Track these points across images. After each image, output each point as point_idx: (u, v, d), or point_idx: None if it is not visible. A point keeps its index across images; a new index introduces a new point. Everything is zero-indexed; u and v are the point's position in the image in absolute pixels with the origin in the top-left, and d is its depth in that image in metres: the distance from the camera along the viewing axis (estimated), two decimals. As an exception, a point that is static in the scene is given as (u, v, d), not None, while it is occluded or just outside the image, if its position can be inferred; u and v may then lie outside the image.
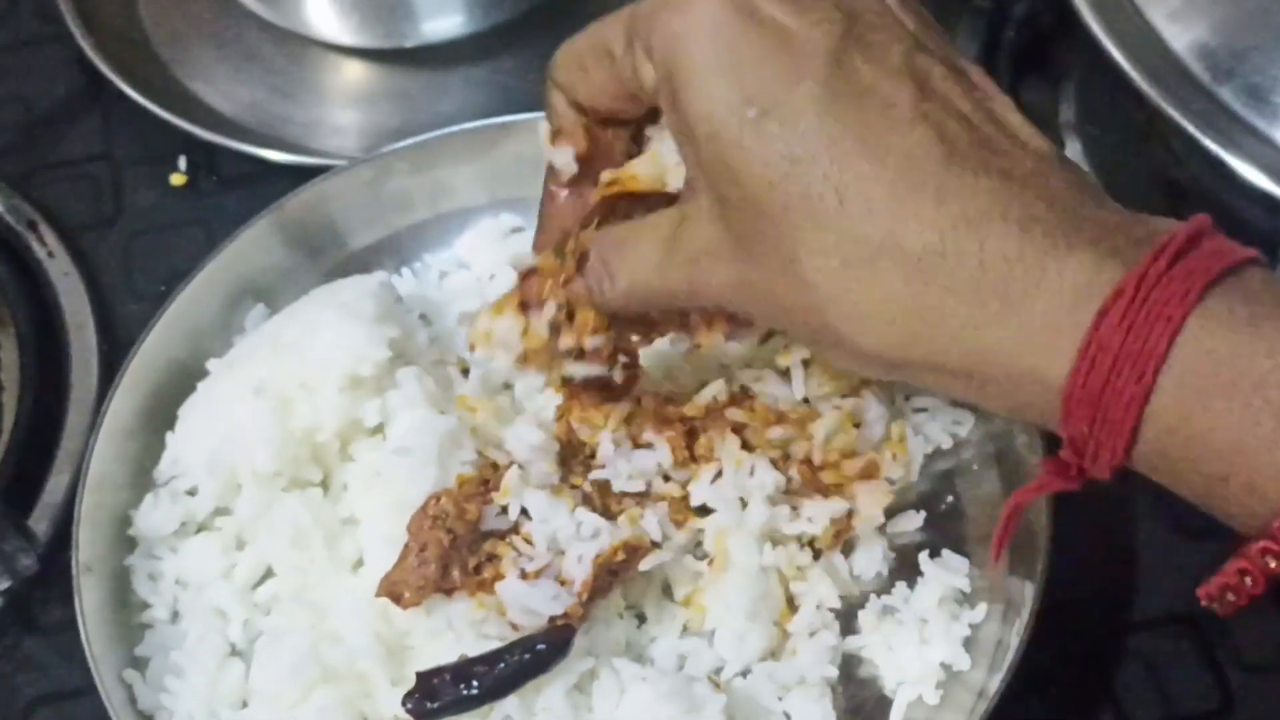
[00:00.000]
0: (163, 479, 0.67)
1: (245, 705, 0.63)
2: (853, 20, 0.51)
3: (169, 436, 0.68)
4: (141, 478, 0.68)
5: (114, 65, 0.84)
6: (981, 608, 0.62)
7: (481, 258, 0.75)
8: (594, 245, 0.57)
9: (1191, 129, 0.64)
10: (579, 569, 0.59)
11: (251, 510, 0.65)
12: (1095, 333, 0.44)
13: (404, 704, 0.58)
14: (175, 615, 0.66)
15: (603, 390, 0.63)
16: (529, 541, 0.60)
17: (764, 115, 0.49)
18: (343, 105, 0.87)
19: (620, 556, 0.60)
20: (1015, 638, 0.59)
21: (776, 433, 0.64)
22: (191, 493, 0.67)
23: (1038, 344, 0.46)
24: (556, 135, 0.60)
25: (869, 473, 0.64)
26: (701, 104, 0.51)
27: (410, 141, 0.75)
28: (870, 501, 0.63)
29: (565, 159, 0.59)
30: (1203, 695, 0.65)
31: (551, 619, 0.59)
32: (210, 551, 0.65)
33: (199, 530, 0.67)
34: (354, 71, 0.88)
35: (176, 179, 0.84)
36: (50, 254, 0.80)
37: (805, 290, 0.50)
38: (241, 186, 0.82)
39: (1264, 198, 0.64)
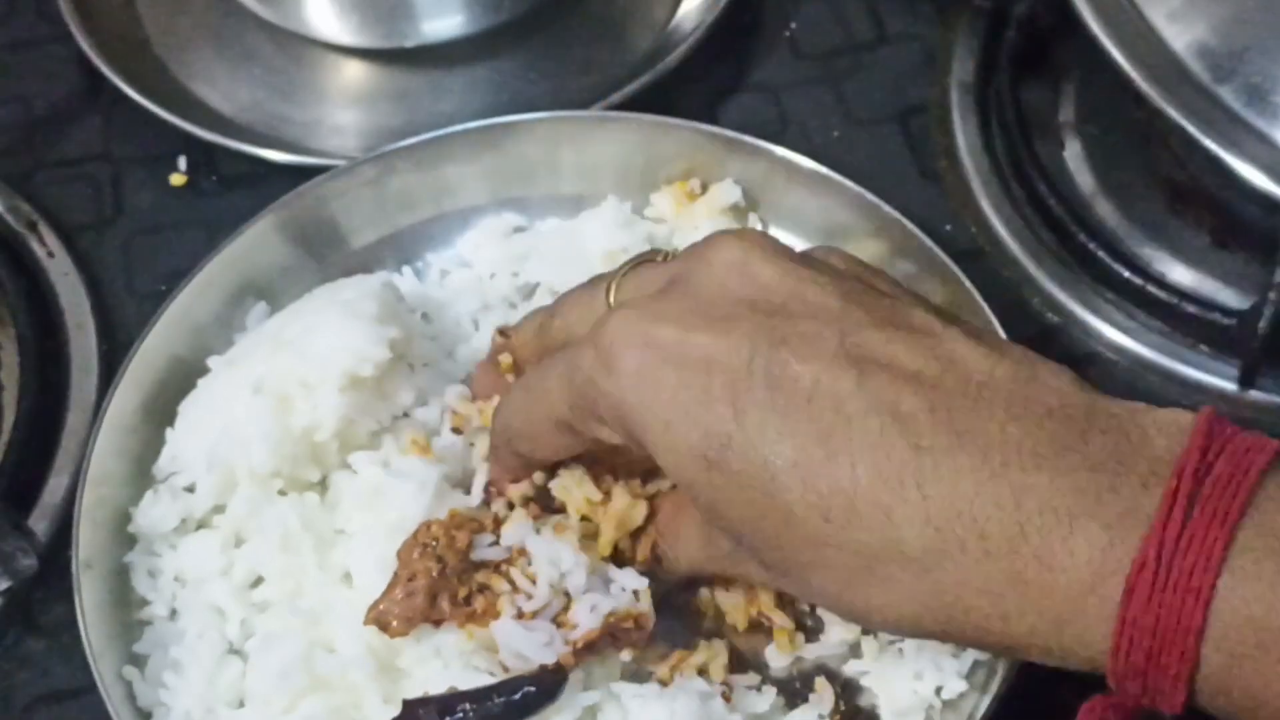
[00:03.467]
0: (162, 475, 0.67)
1: (242, 704, 0.63)
2: (775, 320, 0.50)
3: (169, 433, 0.68)
4: (142, 474, 0.68)
5: (114, 65, 0.84)
6: None
7: (483, 256, 0.75)
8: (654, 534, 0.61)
9: (1191, 129, 0.64)
10: (588, 618, 0.59)
11: (245, 509, 0.65)
12: (1126, 613, 0.44)
13: None
14: (174, 612, 0.66)
15: None
16: (530, 579, 0.60)
17: (724, 450, 0.49)
18: (343, 105, 0.87)
19: (628, 624, 0.60)
20: (1002, 665, 0.60)
21: None
22: (190, 489, 0.67)
23: (1067, 627, 0.45)
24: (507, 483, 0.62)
25: None
26: (667, 458, 0.51)
27: (413, 140, 0.75)
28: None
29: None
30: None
31: (542, 665, 0.58)
32: (209, 549, 0.65)
33: (198, 527, 0.67)
34: (354, 71, 0.88)
35: (176, 179, 0.84)
36: (50, 254, 0.80)
37: (824, 598, 0.52)
38: (241, 186, 0.82)
39: (1264, 198, 0.64)
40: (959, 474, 0.46)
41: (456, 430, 0.67)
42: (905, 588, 0.47)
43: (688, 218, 0.74)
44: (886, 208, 0.71)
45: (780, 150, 0.74)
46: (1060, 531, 0.45)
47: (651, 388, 0.50)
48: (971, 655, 0.61)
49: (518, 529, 0.61)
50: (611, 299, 0.58)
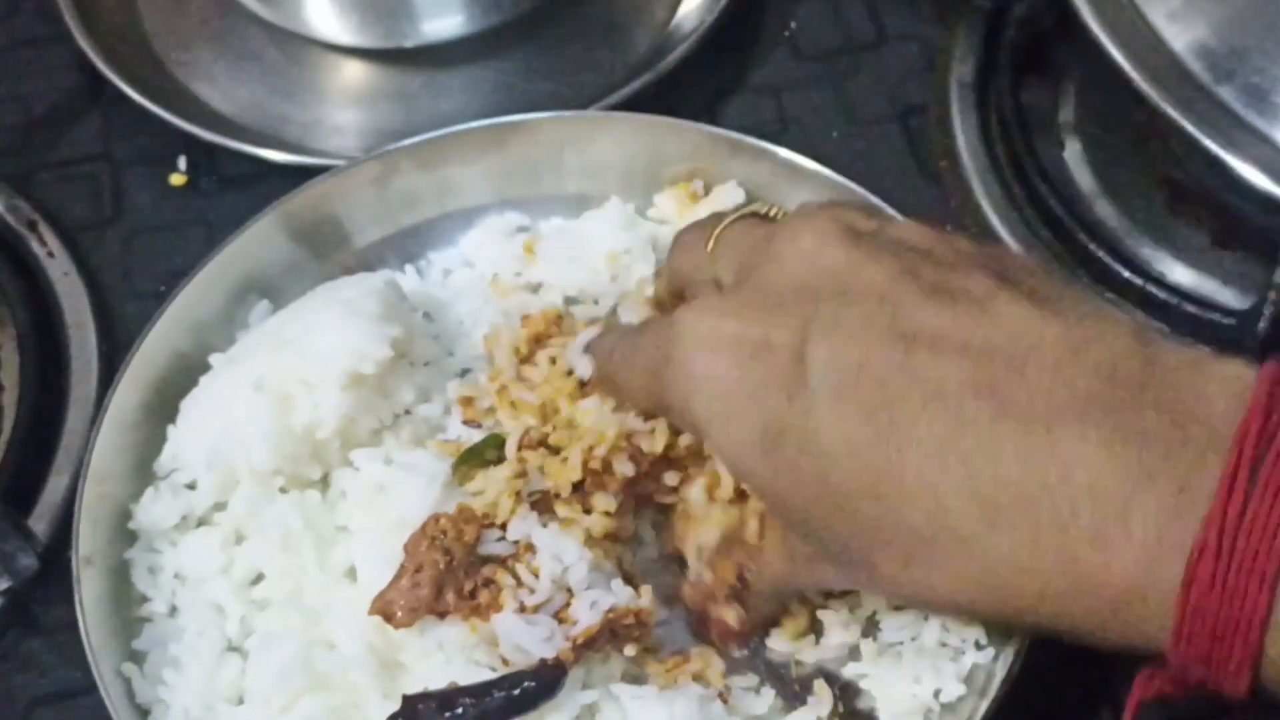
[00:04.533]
0: (163, 472, 0.67)
1: (241, 702, 0.63)
2: (830, 307, 0.50)
3: (170, 430, 0.68)
4: (143, 470, 0.68)
5: (114, 65, 0.84)
6: (988, 651, 0.61)
7: (486, 256, 0.75)
8: (732, 539, 0.60)
9: (1191, 129, 0.64)
10: (588, 614, 0.59)
11: (246, 508, 0.65)
12: (1187, 600, 0.43)
13: None
14: (174, 610, 0.66)
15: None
16: (534, 573, 0.60)
17: (780, 437, 0.50)
18: (343, 105, 0.87)
19: (629, 621, 0.60)
20: (1002, 669, 0.59)
21: None
22: (191, 487, 0.67)
23: (1126, 607, 0.44)
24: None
25: None
26: (726, 453, 0.53)
27: (417, 139, 0.75)
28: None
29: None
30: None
31: (542, 660, 0.59)
32: (209, 546, 0.65)
33: (199, 524, 0.67)
34: (354, 71, 0.88)
35: (176, 179, 0.84)
36: (50, 254, 0.80)
37: (885, 583, 0.52)
38: (241, 186, 0.82)
39: (1264, 198, 0.64)
40: (1003, 448, 0.45)
41: (469, 423, 0.67)
42: (958, 569, 0.47)
43: (691, 218, 0.74)
44: (886, 208, 0.70)
45: (784, 152, 0.73)
46: (1113, 510, 0.43)
47: (712, 382, 0.52)
48: (970, 658, 0.61)
49: (524, 523, 0.61)
50: (710, 247, 0.60)
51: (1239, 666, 0.43)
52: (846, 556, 0.52)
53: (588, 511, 0.62)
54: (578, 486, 0.62)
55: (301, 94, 0.87)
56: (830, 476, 0.49)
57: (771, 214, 0.62)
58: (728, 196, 0.74)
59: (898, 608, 0.62)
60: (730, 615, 0.61)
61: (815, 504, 0.50)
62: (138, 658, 0.64)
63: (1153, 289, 0.73)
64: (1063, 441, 0.45)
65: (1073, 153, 0.80)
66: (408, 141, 0.75)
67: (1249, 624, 0.42)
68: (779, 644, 0.64)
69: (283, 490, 0.66)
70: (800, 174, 0.73)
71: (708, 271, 0.60)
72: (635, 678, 0.62)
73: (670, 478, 0.63)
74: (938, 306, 0.49)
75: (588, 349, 0.64)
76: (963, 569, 0.47)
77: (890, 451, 0.47)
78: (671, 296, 0.67)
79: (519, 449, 0.63)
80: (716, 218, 0.62)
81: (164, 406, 0.69)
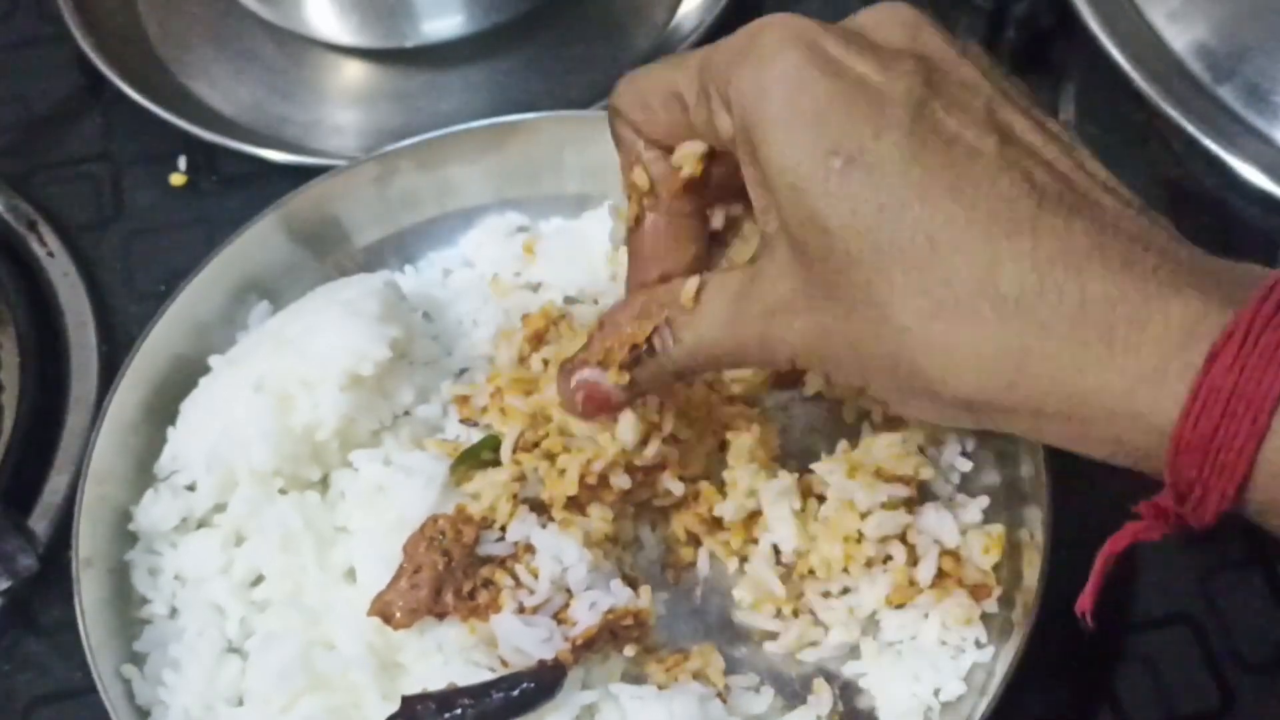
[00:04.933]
0: (163, 474, 0.68)
1: (241, 702, 0.63)
2: (933, 73, 0.50)
3: (170, 431, 0.68)
4: (143, 472, 0.68)
5: (114, 65, 0.84)
6: (988, 649, 0.62)
7: (486, 256, 0.75)
8: (654, 302, 0.57)
9: (1191, 129, 0.64)
10: (588, 615, 0.59)
11: (245, 509, 0.65)
12: (1207, 375, 0.43)
13: None
14: (174, 611, 0.66)
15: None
16: (533, 574, 0.60)
17: (850, 164, 0.49)
18: (343, 105, 0.87)
19: (628, 622, 0.60)
20: (1002, 667, 0.60)
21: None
22: (191, 488, 0.67)
23: (1144, 386, 0.45)
24: (631, 164, 0.59)
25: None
26: (784, 156, 0.50)
27: (417, 139, 0.75)
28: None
29: (644, 178, 0.58)
30: (1203, 695, 0.65)
31: (540, 661, 0.59)
32: (209, 548, 0.65)
33: (199, 526, 0.67)
34: (354, 71, 0.88)
35: (176, 179, 0.84)
36: (50, 254, 0.80)
37: (895, 335, 0.49)
38: (241, 186, 0.82)
39: (1264, 198, 0.64)
40: (1073, 235, 0.47)
41: (466, 421, 0.67)
42: (990, 326, 0.47)
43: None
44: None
45: None
46: (1160, 295, 0.45)
47: (796, 85, 0.50)
48: (970, 657, 0.61)
49: (523, 524, 0.61)
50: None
51: (1239, 455, 0.43)
52: (851, 296, 0.50)
53: (585, 515, 0.62)
54: (572, 499, 0.62)
55: (301, 94, 0.87)
56: (888, 212, 0.48)
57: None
58: None
59: (899, 606, 0.62)
60: (610, 375, 0.57)
61: (862, 237, 0.49)
62: (138, 659, 0.64)
63: (1153, 289, 0.73)
64: (1126, 243, 0.47)
65: (1073, 153, 0.80)
66: (408, 142, 0.75)
67: (1260, 401, 0.43)
68: (778, 644, 0.64)
69: (282, 491, 0.66)
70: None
71: (708, 132, 0.55)
72: (635, 678, 0.62)
73: (672, 485, 0.64)
74: (1032, 124, 0.50)
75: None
76: (996, 328, 0.47)
77: (963, 207, 0.47)
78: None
79: (514, 451, 0.63)
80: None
81: (164, 408, 0.69)
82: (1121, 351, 0.45)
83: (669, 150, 0.57)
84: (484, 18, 0.85)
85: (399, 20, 0.84)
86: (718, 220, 0.59)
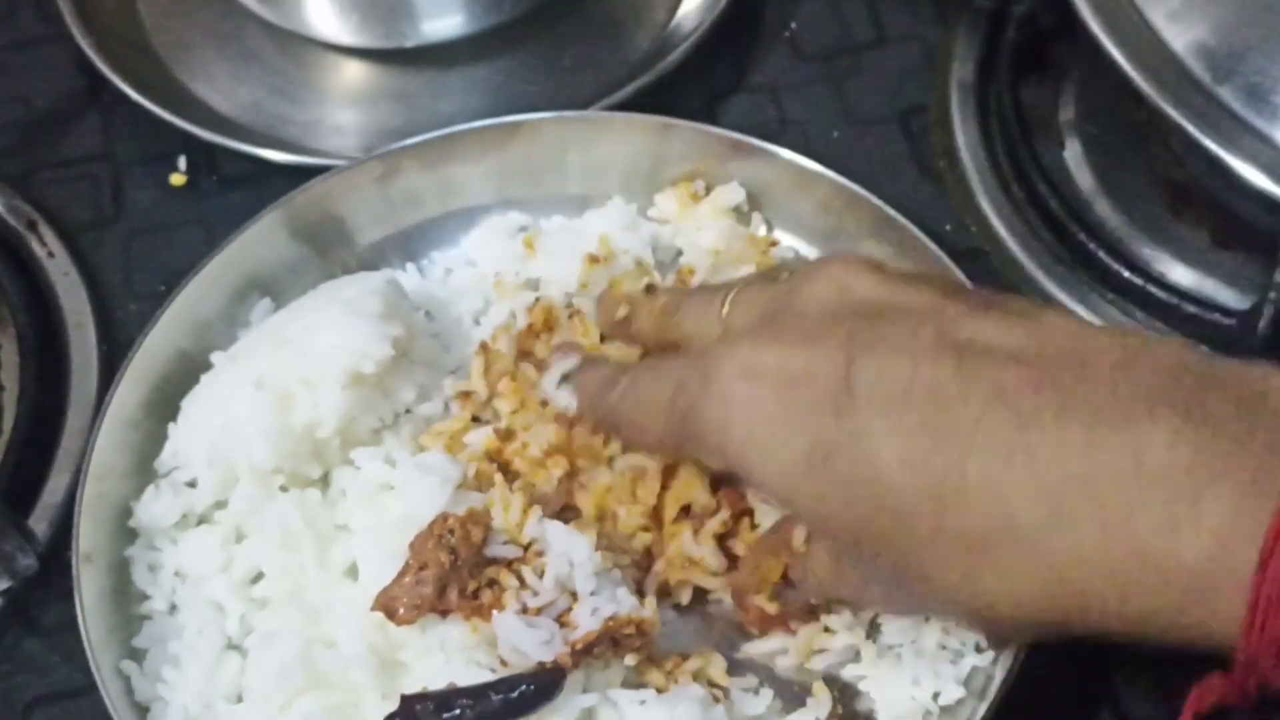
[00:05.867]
0: (164, 470, 0.68)
1: (241, 700, 0.63)
2: (867, 324, 0.51)
3: (171, 428, 0.68)
4: (144, 468, 0.68)
5: (114, 65, 0.83)
6: (988, 654, 0.61)
7: (488, 255, 0.75)
8: (780, 541, 0.60)
9: (1191, 129, 0.64)
10: (589, 620, 0.59)
11: (245, 506, 0.65)
12: (1262, 581, 0.41)
13: None
14: (174, 608, 0.66)
15: None
16: (538, 573, 0.60)
17: (829, 458, 0.49)
18: (343, 105, 0.87)
19: (629, 630, 0.60)
20: (1001, 671, 0.59)
21: None
22: (192, 485, 0.67)
23: (1197, 595, 0.43)
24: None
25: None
26: (770, 475, 0.52)
27: (420, 139, 0.75)
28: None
29: None
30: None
31: (540, 664, 0.59)
32: (209, 545, 0.65)
33: (199, 523, 0.67)
34: (354, 71, 0.88)
35: (176, 179, 0.84)
36: (50, 254, 0.80)
37: (944, 601, 0.51)
38: (241, 186, 0.82)
39: (1264, 198, 0.64)
40: (1068, 441, 0.44)
41: (474, 419, 0.68)
42: (1020, 570, 0.46)
43: (691, 219, 0.74)
44: (886, 208, 0.71)
45: (785, 152, 0.74)
46: (1185, 496, 0.42)
47: (753, 409, 0.51)
48: (970, 661, 0.61)
49: (537, 521, 0.61)
50: (724, 311, 0.60)
51: None
52: (900, 574, 0.51)
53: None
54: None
55: (301, 94, 0.87)
56: (884, 491, 0.48)
57: (784, 278, 0.62)
58: (728, 196, 0.75)
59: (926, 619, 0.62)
60: (770, 605, 0.62)
61: (868, 521, 0.50)
62: (137, 655, 0.64)
63: (1153, 289, 0.73)
64: (1131, 432, 0.44)
65: (1073, 153, 0.80)
66: (411, 141, 0.75)
67: None
68: (786, 658, 0.64)
69: (283, 489, 0.66)
70: (801, 174, 0.73)
71: (718, 328, 0.60)
72: (637, 684, 0.62)
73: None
74: (984, 317, 0.49)
75: (567, 381, 0.65)
76: (1025, 570, 0.46)
77: (948, 458, 0.47)
78: (648, 337, 0.66)
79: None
80: (724, 286, 0.62)
81: (165, 404, 0.69)
82: (1158, 568, 0.43)
83: None
84: (484, 18, 0.85)
85: (399, 20, 0.84)
86: None
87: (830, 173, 0.73)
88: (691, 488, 0.64)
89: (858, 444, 0.49)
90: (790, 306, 0.55)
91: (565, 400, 0.65)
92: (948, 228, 0.79)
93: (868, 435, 0.48)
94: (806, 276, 0.56)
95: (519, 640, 0.58)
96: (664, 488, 0.64)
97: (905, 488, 0.48)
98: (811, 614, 0.63)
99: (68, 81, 0.88)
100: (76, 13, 0.86)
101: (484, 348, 0.69)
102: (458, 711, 0.58)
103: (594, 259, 0.72)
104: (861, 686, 0.63)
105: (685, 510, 0.64)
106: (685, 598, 0.65)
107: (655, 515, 0.64)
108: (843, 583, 0.58)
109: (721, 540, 0.64)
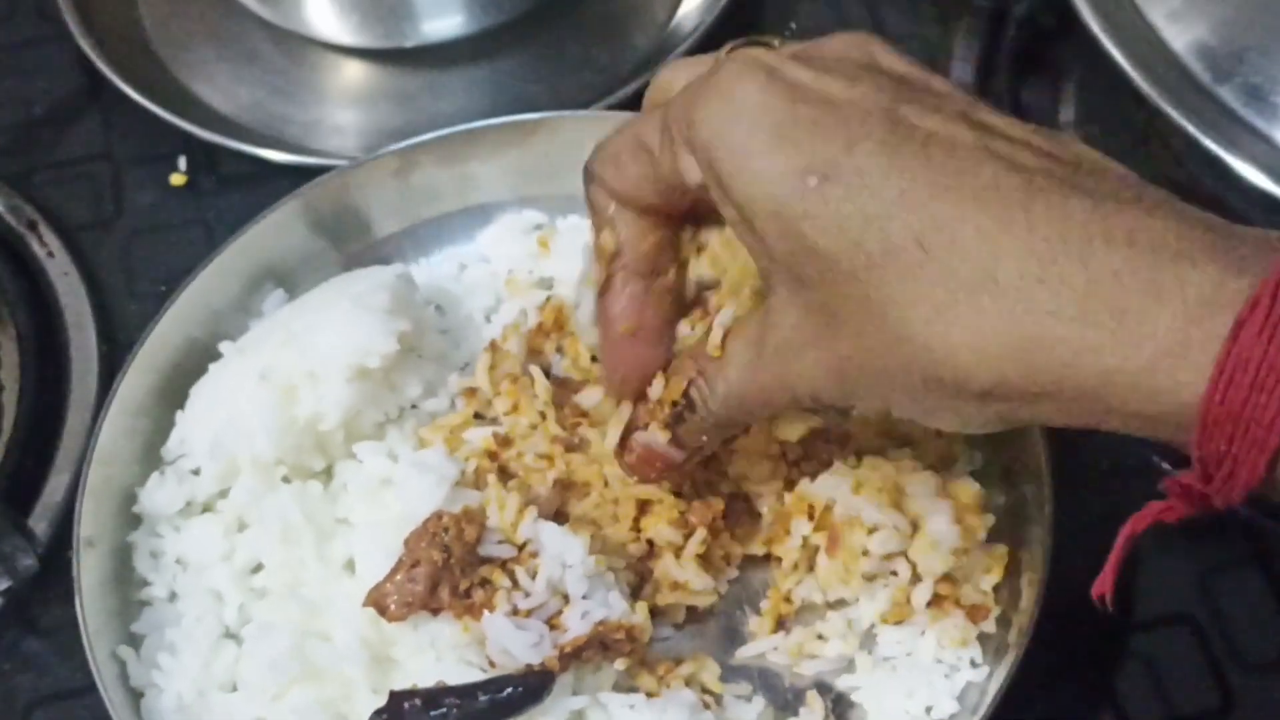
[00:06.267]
0: (170, 458, 0.68)
1: (234, 689, 0.63)
2: (901, 84, 0.50)
3: (178, 415, 0.68)
4: (150, 454, 0.68)
5: (114, 65, 0.84)
6: (983, 669, 0.62)
7: (502, 253, 0.76)
8: (687, 355, 0.56)
9: (1191, 129, 0.64)
10: (579, 624, 0.59)
11: (246, 497, 0.65)
12: (1233, 346, 0.41)
13: None
14: (173, 595, 0.66)
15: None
16: (531, 574, 0.60)
17: (826, 181, 0.47)
18: (343, 105, 0.87)
19: (619, 635, 0.60)
20: (994, 687, 0.60)
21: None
22: (196, 473, 0.67)
23: (1165, 361, 0.43)
24: (601, 227, 0.57)
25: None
26: (757, 186, 0.49)
27: (440, 133, 0.75)
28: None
29: (611, 240, 0.57)
30: (1203, 695, 0.65)
31: (529, 666, 0.59)
32: (211, 533, 0.65)
33: (203, 511, 0.67)
34: (354, 71, 0.88)
35: (176, 179, 0.84)
36: (50, 254, 0.80)
37: (904, 345, 0.48)
38: (241, 186, 0.82)
39: (1264, 198, 0.64)
40: (1069, 215, 0.45)
41: (479, 417, 0.68)
42: (994, 318, 0.45)
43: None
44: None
45: None
46: (1172, 266, 0.43)
47: (758, 113, 0.49)
48: (965, 676, 0.61)
49: (532, 522, 0.61)
50: (724, 56, 0.55)
51: (1272, 423, 0.42)
52: (853, 314, 0.49)
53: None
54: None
55: (301, 94, 0.87)
56: (873, 224, 0.47)
57: (777, 44, 0.59)
58: None
59: (896, 623, 0.62)
60: (662, 433, 0.58)
61: (850, 252, 0.47)
62: (135, 641, 0.64)
63: (1153, 289, 0.73)
64: (1129, 213, 0.45)
65: (1073, 153, 0.80)
66: (430, 135, 0.75)
67: None
68: (779, 657, 0.64)
69: (285, 480, 0.66)
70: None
71: (675, 179, 0.53)
72: (628, 688, 0.62)
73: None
74: (1009, 119, 0.49)
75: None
76: (1000, 319, 0.45)
77: (948, 206, 0.46)
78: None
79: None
80: (705, 58, 0.56)
81: (175, 392, 0.69)
82: (1137, 328, 0.43)
83: (641, 210, 0.56)
84: (484, 18, 0.85)
85: (399, 20, 0.84)
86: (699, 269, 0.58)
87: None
88: (659, 520, 0.64)
89: (860, 171, 0.47)
90: (808, 52, 0.52)
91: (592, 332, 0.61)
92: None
93: (873, 167, 0.47)
94: (822, 38, 0.53)
95: (508, 642, 0.58)
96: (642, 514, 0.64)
97: (895, 224, 0.47)
98: (698, 450, 0.59)
99: (68, 81, 0.88)
100: (76, 13, 0.86)
101: (493, 346, 0.69)
102: (445, 710, 0.58)
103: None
104: (855, 697, 0.63)
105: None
106: (679, 617, 0.65)
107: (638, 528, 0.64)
108: (759, 374, 0.54)
109: (705, 558, 0.64)
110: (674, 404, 0.57)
